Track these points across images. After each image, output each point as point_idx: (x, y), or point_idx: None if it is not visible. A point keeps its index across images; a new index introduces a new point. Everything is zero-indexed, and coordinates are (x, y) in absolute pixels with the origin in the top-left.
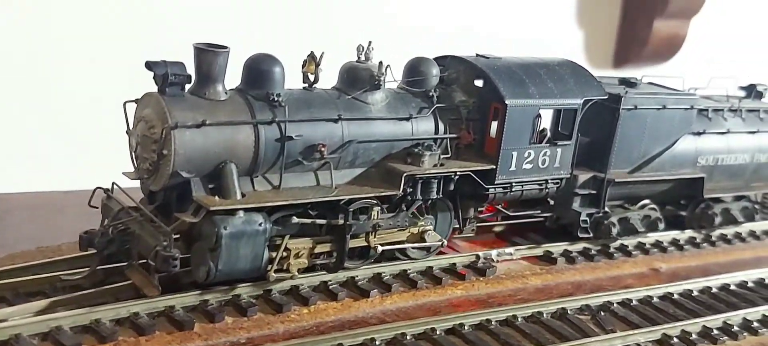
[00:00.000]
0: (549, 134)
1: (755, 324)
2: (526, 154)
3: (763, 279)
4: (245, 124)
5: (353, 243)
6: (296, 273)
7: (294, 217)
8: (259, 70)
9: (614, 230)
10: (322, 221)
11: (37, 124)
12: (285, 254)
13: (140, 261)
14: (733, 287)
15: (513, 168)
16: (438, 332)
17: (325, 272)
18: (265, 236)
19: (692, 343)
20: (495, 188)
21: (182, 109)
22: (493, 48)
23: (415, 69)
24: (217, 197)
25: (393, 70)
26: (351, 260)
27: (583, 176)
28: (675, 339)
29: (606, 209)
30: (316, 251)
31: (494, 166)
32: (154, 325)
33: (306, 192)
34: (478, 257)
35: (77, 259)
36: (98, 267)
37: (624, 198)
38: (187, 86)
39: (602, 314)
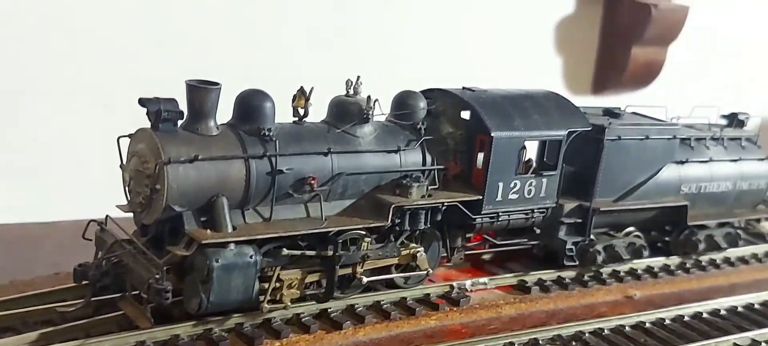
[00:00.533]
0: (535, 165)
1: None
2: (512, 185)
3: (736, 307)
4: (237, 158)
5: (341, 272)
6: (289, 303)
7: (284, 249)
8: (250, 105)
9: (599, 258)
10: (312, 253)
11: (11, 156)
12: (278, 284)
13: (133, 293)
14: (705, 315)
15: (499, 198)
16: None
17: (314, 302)
18: (256, 267)
19: None
20: (482, 217)
21: (175, 145)
22: (471, 78)
23: (402, 102)
24: (208, 230)
25: (381, 103)
26: (340, 289)
27: (569, 205)
28: None
29: (591, 236)
30: (307, 280)
31: (481, 197)
32: None
33: (296, 224)
34: (452, 287)
35: (65, 291)
36: (92, 299)
37: (609, 226)
38: (180, 122)
39: (574, 344)
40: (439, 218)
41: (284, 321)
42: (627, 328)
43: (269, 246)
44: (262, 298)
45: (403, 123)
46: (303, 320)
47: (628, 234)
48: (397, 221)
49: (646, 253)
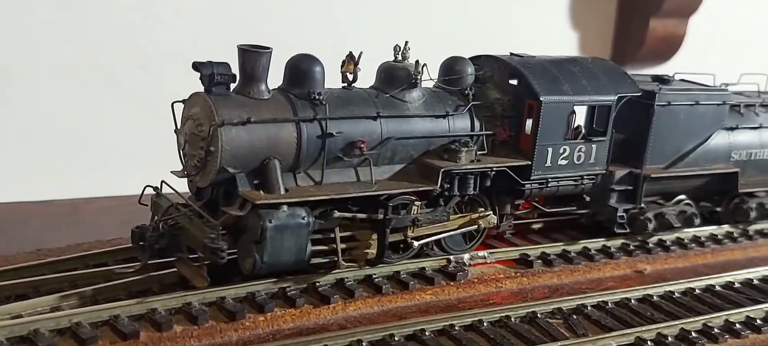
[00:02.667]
0: (584, 131)
1: (737, 326)
2: (561, 150)
3: (751, 279)
4: (288, 121)
5: (393, 237)
6: (364, 262)
7: (335, 211)
8: (301, 69)
9: (650, 226)
10: (363, 216)
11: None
12: (346, 245)
13: (190, 254)
14: (718, 289)
15: (548, 164)
16: (396, 338)
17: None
18: (309, 229)
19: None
20: (531, 183)
21: (228, 108)
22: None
23: (450, 68)
24: (261, 192)
25: (429, 68)
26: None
27: (619, 172)
28: (649, 342)
29: (642, 204)
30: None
31: (530, 162)
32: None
33: (347, 187)
34: (449, 261)
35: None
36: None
37: (659, 194)
38: (232, 86)
39: (574, 317)
40: (488, 183)
41: (269, 295)
42: (633, 301)
43: (321, 209)
44: (329, 259)
45: (451, 89)
46: (289, 294)
47: (678, 202)
48: (447, 185)
49: (697, 221)
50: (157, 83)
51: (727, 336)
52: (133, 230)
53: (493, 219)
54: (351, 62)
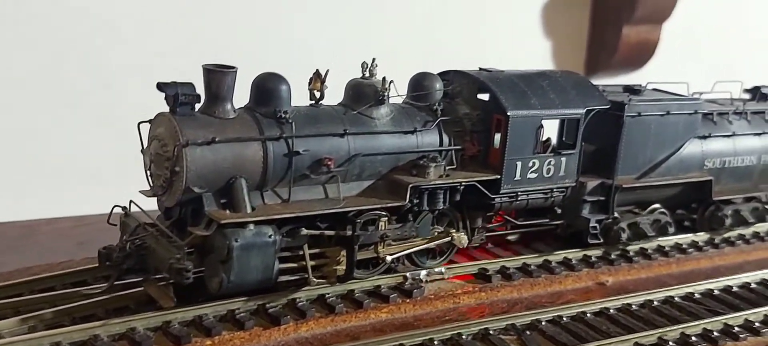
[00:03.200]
0: (554, 144)
1: (693, 339)
2: (530, 164)
3: (712, 290)
4: (254, 140)
5: (364, 254)
6: (335, 279)
7: (303, 229)
8: (267, 88)
9: (624, 236)
10: (331, 233)
11: None
12: (317, 262)
13: (156, 274)
14: (677, 300)
15: (517, 178)
16: None
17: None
18: (275, 247)
19: None
20: (501, 197)
21: (193, 128)
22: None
23: (418, 84)
24: (227, 211)
25: (396, 85)
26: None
27: (591, 183)
28: None
29: (615, 214)
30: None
31: (499, 176)
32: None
33: (314, 205)
34: (405, 278)
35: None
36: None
37: (634, 203)
38: (198, 106)
39: (528, 333)
40: (457, 198)
41: (217, 319)
42: (589, 315)
43: (289, 227)
44: (298, 276)
45: (420, 105)
46: (237, 316)
47: (653, 211)
48: (416, 201)
49: (671, 229)
50: (118, 102)
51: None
52: (100, 250)
53: (464, 240)
54: (318, 80)
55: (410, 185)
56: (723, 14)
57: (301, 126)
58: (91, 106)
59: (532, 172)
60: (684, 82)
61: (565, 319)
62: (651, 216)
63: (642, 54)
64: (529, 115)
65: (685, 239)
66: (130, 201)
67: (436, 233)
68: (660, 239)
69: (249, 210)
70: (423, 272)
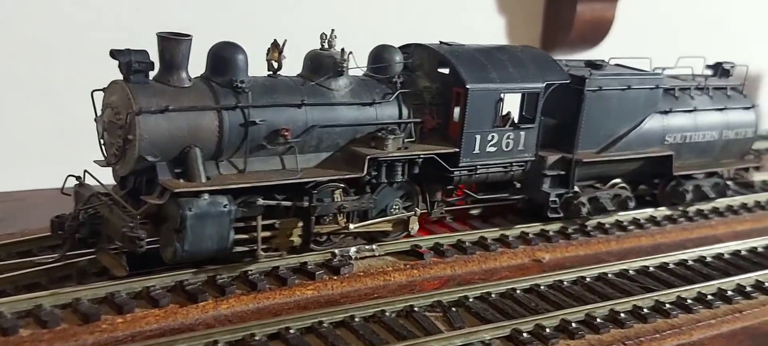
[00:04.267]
0: (514, 118)
1: (622, 316)
2: (489, 138)
3: (647, 267)
4: (209, 109)
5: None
6: (285, 252)
7: (259, 199)
8: (223, 57)
9: (584, 210)
10: (288, 203)
11: None
12: (269, 233)
13: (110, 243)
14: (610, 277)
15: (476, 151)
16: (258, 338)
17: (292, 255)
18: (230, 217)
19: (544, 338)
20: (459, 170)
21: (146, 96)
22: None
23: (379, 56)
24: (181, 181)
25: (355, 56)
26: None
27: (552, 158)
28: (525, 334)
29: (576, 189)
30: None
31: (458, 150)
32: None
33: (270, 175)
34: (334, 254)
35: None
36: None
37: (595, 178)
38: (153, 75)
39: (454, 310)
40: (416, 170)
41: (130, 295)
42: (519, 291)
43: (245, 197)
44: (255, 246)
45: (380, 77)
46: (152, 293)
47: (613, 186)
48: (374, 173)
49: (631, 204)
50: (62, 75)
51: (610, 326)
52: (53, 219)
53: (416, 227)
54: (275, 50)
55: (368, 157)
56: None
57: (258, 96)
58: (23, 80)
59: (491, 145)
60: (647, 58)
61: (493, 295)
62: (611, 191)
63: (597, 31)
64: (488, 88)
65: (643, 213)
66: (85, 171)
67: (397, 209)
68: (620, 213)
69: (204, 180)
70: (352, 249)
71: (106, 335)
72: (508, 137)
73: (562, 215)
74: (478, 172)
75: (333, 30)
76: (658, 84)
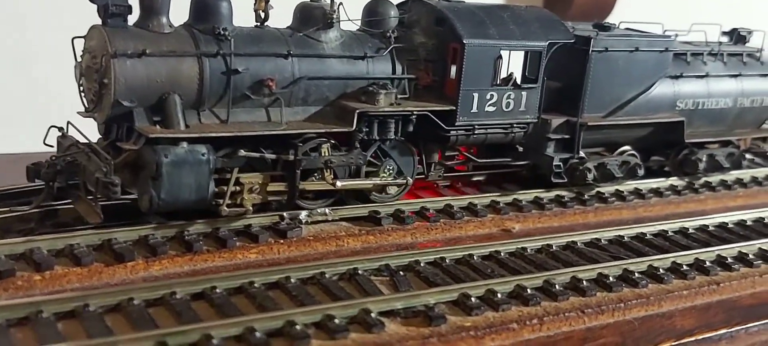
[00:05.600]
0: (517, 79)
1: (585, 283)
2: (488, 96)
3: (622, 237)
4: (188, 56)
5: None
6: (250, 208)
7: (241, 150)
8: (206, 4)
9: (590, 176)
10: (272, 156)
11: None
12: (238, 188)
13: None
14: (579, 246)
15: (474, 110)
16: (179, 296)
17: (278, 212)
18: (209, 166)
19: (495, 304)
20: (456, 130)
21: (123, 39)
22: None
23: (373, 11)
24: (158, 127)
25: (345, 8)
26: (309, 199)
27: (556, 121)
28: (474, 299)
29: (581, 154)
30: (270, 188)
31: (454, 108)
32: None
33: (253, 126)
34: (282, 217)
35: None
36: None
37: (602, 144)
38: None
39: (402, 274)
40: (410, 129)
41: (51, 253)
42: (476, 258)
43: (228, 149)
44: (220, 201)
45: (374, 32)
46: (75, 251)
47: (622, 153)
48: (365, 129)
49: (640, 172)
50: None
51: (569, 294)
52: (29, 166)
53: (397, 182)
54: (262, 0)
55: (357, 111)
56: None
57: (242, 45)
58: None
59: (489, 105)
60: (658, 23)
61: (448, 261)
62: (619, 158)
63: (599, 8)
64: (486, 44)
65: (609, 188)
66: (68, 122)
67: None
68: (629, 182)
69: (182, 127)
70: (303, 213)
71: (22, 293)
72: (508, 97)
73: (566, 180)
74: (476, 132)
75: None
76: (668, 47)
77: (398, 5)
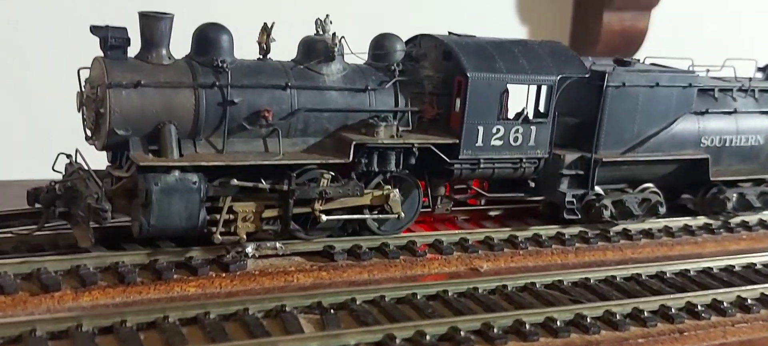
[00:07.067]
0: (528, 113)
1: (527, 328)
2: (494, 130)
3: (588, 279)
4: (185, 86)
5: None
6: (244, 236)
7: (234, 180)
8: (206, 37)
9: (606, 213)
10: (265, 186)
11: None
12: (232, 216)
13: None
14: (538, 287)
15: (479, 144)
16: (85, 327)
17: (272, 238)
18: (200, 195)
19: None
20: (461, 163)
21: (120, 70)
22: None
23: (379, 44)
24: (150, 155)
25: (347, 41)
26: (304, 227)
27: (570, 156)
28: (399, 341)
29: (598, 190)
30: (265, 215)
31: (457, 141)
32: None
33: (246, 156)
34: (227, 249)
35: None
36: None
37: (622, 181)
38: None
39: (332, 312)
40: (412, 161)
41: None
42: (419, 297)
43: (223, 178)
44: (213, 229)
45: (379, 65)
46: (0, 281)
47: (643, 190)
48: (365, 161)
49: (662, 210)
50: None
51: (507, 338)
52: (29, 190)
53: (397, 198)
54: (264, 33)
55: (354, 142)
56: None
57: (240, 76)
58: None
59: (496, 138)
60: (687, 59)
61: (387, 299)
62: (640, 195)
63: (628, 42)
64: (491, 77)
65: (593, 229)
66: (76, 150)
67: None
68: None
69: (175, 156)
70: (250, 246)
71: None
72: (516, 131)
73: (579, 217)
74: (482, 166)
75: (327, 15)
76: (691, 82)
77: (409, 39)
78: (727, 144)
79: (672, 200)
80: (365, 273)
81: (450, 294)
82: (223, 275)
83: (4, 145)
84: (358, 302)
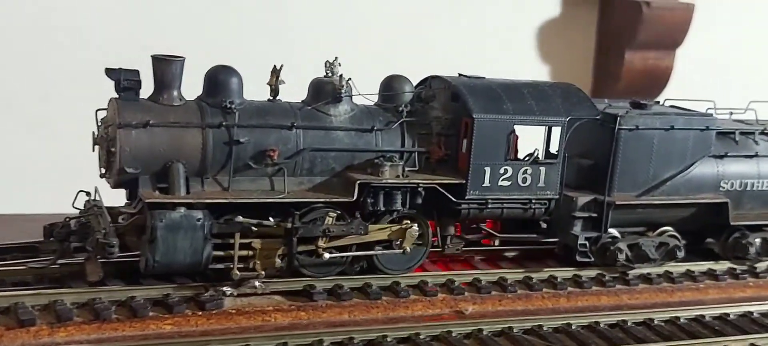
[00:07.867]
0: (539, 155)
1: None
2: (501, 171)
3: (570, 325)
4: (193, 126)
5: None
6: (262, 273)
7: (239, 216)
8: (217, 79)
9: (621, 256)
10: (269, 223)
11: None
12: (250, 252)
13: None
14: (515, 332)
15: (486, 184)
16: None
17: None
18: (204, 232)
19: None
20: (468, 203)
21: (131, 111)
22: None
23: (387, 86)
24: (156, 192)
25: (354, 83)
26: (307, 266)
27: (582, 199)
28: None
29: (613, 233)
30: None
31: (464, 181)
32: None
33: (251, 194)
34: (205, 288)
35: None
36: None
37: (639, 224)
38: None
39: None
40: (419, 201)
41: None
42: (390, 339)
43: (230, 216)
44: (231, 265)
45: (387, 106)
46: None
47: (661, 233)
48: (371, 200)
49: (680, 254)
50: (55, 109)
51: None
52: (45, 226)
53: (415, 233)
54: (273, 75)
55: (358, 182)
56: (753, 39)
57: (247, 117)
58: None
59: (504, 179)
60: (710, 101)
61: (356, 341)
62: (658, 239)
63: (653, 82)
64: (497, 119)
65: (588, 273)
66: (95, 187)
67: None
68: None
69: (183, 193)
70: (227, 286)
71: None
72: (525, 172)
73: (592, 259)
74: (490, 206)
75: (336, 57)
76: (709, 126)
77: (421, 81)
78: (748, 188)
79: (696, 244)
80: (345, 314)
81: (422, 337)
82: (200, 313)
83: (28, 179)
84: (324, 344)
